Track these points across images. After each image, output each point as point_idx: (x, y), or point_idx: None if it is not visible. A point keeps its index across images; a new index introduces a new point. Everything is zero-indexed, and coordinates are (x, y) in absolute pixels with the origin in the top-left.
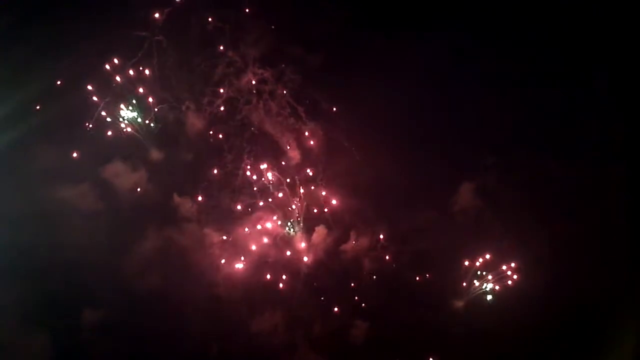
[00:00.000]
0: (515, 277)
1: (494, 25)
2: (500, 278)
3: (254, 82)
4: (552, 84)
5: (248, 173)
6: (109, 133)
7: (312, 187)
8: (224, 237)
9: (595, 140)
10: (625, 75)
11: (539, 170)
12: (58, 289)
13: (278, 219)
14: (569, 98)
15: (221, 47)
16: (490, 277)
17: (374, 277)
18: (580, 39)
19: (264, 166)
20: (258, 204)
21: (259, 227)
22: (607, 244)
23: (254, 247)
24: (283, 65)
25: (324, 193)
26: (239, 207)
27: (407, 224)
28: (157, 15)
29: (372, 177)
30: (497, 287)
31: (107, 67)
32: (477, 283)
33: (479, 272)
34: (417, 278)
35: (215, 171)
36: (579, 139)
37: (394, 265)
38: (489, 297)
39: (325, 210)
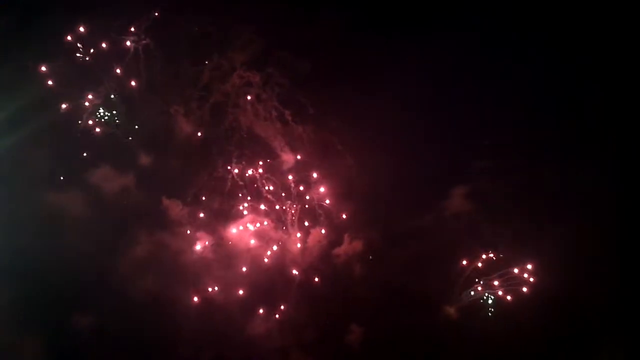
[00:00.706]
0: (513, 282)
1: (486, 28)
2: (500, 284)
3: (249, 97)
4: (548, 86)
5: (238, 177)
6: (95, 135)
7: (306, 190)
8: (216, 241)
9: (592, 141)
10: (623, 76)
11: (534, 173)
12: (41, 292)
13: (271, 222)
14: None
15: (208, 51)
16: (496, 282)
17: (368, 280)
18: (576, 42)
19: (252, 169)
20: (250, 207)
21: (249, 226)
22: (604, 247)
23: (247, 251)
24: (271, 69)
25: (323, 195)
26: (231, 210)
27: (402, 228)
28: (144, 18)
29: (366, 180)
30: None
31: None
32: (473, 293)
33: (477, 279)
34: (413, 282)
35: (205, 175)
36: (577, 140)
37: (389, 269)
38: (490, 302)
39: (319, 213)
